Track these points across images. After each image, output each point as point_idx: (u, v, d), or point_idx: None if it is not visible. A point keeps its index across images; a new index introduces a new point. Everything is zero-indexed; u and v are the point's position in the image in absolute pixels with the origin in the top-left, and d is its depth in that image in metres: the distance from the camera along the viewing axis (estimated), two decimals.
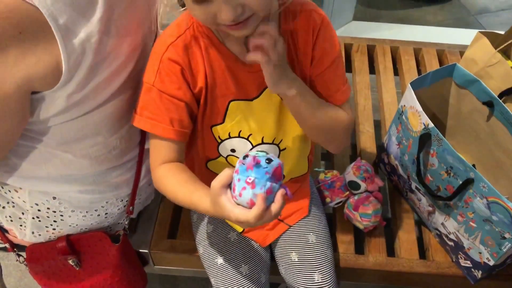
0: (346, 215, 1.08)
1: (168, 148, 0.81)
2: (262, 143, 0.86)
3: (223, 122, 0.83)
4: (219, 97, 0.80)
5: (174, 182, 0.79)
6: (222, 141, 0.86)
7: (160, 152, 0.81)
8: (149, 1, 0.84)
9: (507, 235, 0.85)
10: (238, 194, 0.64)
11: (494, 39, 1.05)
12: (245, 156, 0.65)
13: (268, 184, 0.63)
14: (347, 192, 1.10)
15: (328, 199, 1.10)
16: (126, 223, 0.98)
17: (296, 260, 0.94)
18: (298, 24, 0.78)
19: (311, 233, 0.96)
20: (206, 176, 0.85)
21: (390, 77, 1.43)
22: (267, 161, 0.64)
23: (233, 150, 0.87)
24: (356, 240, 1.08)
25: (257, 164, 0.63)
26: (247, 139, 0.85)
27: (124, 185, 0.94)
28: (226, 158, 0.89)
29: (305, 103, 0.78)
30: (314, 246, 0.95)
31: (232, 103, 0.81)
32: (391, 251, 1.07)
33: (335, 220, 1.10)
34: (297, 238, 0.96)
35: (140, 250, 1.05)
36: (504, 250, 0.88)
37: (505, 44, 1.02)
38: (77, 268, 0.97)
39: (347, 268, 1.02)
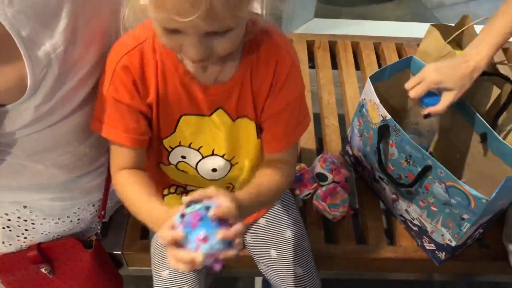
0: (315, 206, 1.11)
1: (125, 155, 0.79)
2: (213, 154, 0.85)
3: (174, 132, 0.82)
4: (171, 111, 0.79)
5: (133, 193, 0.76)
6: (173, 149, 0.84)
7: (118, 158, 0.79)
8: (113, 9, 0.83)
9: (465, 216, 0.90)
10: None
11: (446, 31, 1.10)
12: (182, 215, 0.61)
13: (218, 229, 0.61)
14: (315, 184, 1.13)
15: (297, 192, 1.13)
16: (99, 227, 0.98)
17: (276, 256, 0.95)
18: (260, 55, 0.76)
19: (287, 229, 0.97)
20: (158, 174, 0.87)
21: (352, 72, 1.47)
22: (206, 210, 0.61)
23: (183, 157, 0.86)
24: (326, 230, 1.11)
25: (200, 218, 0.61)
26: (198, 150, 0.84)
27: (95, 190, 0.94)
28: (176, 165, 0.87)
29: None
30: (291, 241, 0.96)
31: (183, 117, 0.80)
32: (360, 239, 1.11)
33: (305, 212, 1.13)
34: (274, 235, 0.97)
35: (114, 252, 1.05)
36: (464, 230, 0.92)
37: (455, 35, 1.07)
38: (51, 276, 0.96)
39: (318, 257, 1.04)
